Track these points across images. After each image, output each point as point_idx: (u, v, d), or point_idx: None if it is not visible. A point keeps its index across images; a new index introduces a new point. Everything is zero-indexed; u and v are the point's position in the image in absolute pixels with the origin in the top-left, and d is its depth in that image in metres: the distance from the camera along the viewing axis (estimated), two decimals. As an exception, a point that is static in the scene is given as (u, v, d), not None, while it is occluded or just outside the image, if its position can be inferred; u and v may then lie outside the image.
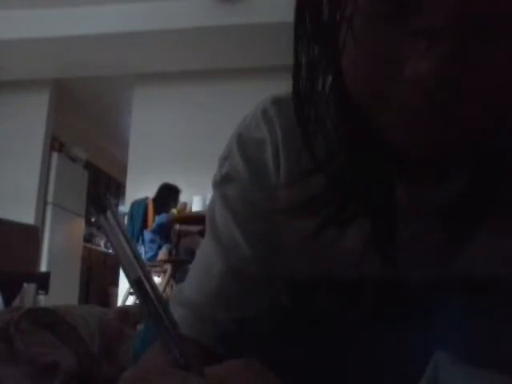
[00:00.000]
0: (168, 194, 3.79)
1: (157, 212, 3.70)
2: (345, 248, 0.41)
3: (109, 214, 0.24)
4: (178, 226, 3.88)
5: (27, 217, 4.20)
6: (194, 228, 3.78)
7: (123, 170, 4.81)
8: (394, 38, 0.28)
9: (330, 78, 0.36)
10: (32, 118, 4.65)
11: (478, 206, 0.37)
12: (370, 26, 0.29)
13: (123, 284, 4.03)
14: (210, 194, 0.48)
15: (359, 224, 0.39)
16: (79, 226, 5.49)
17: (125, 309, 0.97)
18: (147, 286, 0.25)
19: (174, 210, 3.72)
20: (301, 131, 0.39)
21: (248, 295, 0.44)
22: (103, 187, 6.96)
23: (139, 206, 3.77)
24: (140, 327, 0.92)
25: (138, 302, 0.26)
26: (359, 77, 0.32)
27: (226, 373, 0.28)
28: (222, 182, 0.46)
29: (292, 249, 0.44)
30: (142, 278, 0.25)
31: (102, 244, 6.40)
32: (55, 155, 4.92)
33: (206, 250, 0.46)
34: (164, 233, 3.72)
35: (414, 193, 0.39)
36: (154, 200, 3.76)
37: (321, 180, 0.39)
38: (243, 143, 0.45)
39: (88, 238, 5.96)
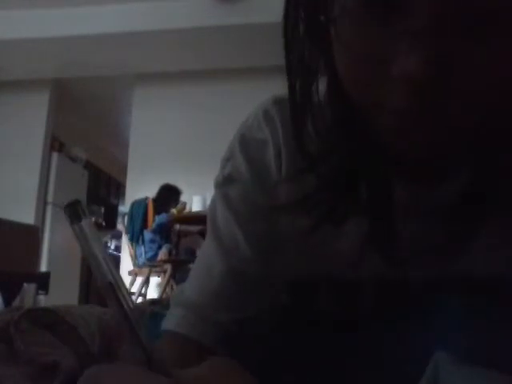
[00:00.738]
0: (169, 195, 3.79)
1: (157, 212, 3.70)
2: (343, 247, 0.41)
3: (83, 223, 0.26)
4: (177, 226, 3.88)
5: (27, 217, 4.19)
6: (194, 228, 3.78)
7: (123, 170, 4.81)
8: (380, 38, 0.28)
9: (323, 80, 0.36)
10: (32, 118, 4.64)
11: (478, 206, 0.37)
12: (356, 27, 0.30)
13: (123, 284, 4.03)
14: (209, 194, 0.49)
15: (357, 223, 0.39)
16: (79, 226, 5.49)
17: (125, 309, 0.97)
18: (118, 291, 0.27)
19: (173, 210, 3.72)
20: (294, 131, 0.39)
21: (248, 296, 0.44)
22: (103, 187, 6.96)
23: (139, 206, 3.77)
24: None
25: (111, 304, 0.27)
26: (349, 78, 0.32)
27: (199, 375, 0.28)
28: (224, 183, 0.46)
29: (291, 248, 0.44)
30: (113, 283, 0.26)
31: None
32: (55, 155, 4.91)
33: (206, 251, 0.46)
34: (164, 233, 3.72)
35: (413, 193, 0.39)
36: (155, 200, 3.76)
37: (316, 179, 0.39)
38: (245, 144, 0.45)
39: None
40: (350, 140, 0.37)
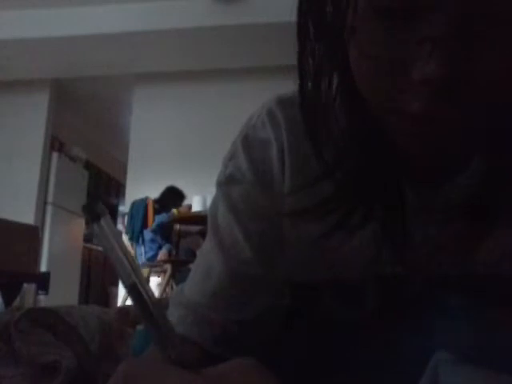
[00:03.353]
0: (173, 199, 3.78)
1: (157, 212, 3.70)
2: (353, 249, 0.41)
3: (102, 221, 0.25)
4: (178, 226, 3.88)
5: (27, 217, 4.20)
6: (194, 228, 3.78)
7: (123, 169, 4.81)
8: (400, 43, 0.29)
9: (336, 83, 0.36)
10: (32, 117, 4.65)
11: (487, 206, 0.37)
12: (374, 33, 0.30)
13: (123, 284, 4.03)
14: (209, 194, 0.49)
15: (369, 226, 0.39)
16: (79, 226, 5.49)
17: (125, 309, 0.97)
18: (142, 292, 0.26)
19: (174, 210, 3.72)
20: (309, 136, 0.39)
21: (248, 297, 0.44)
22: (103, 187, 6.96)
23: (139, 206, 3.77)
24: (140, 327, 0.92)
25: (134, 306, 0.26)
26: (367, 83, 0.32)
27: (224, 373, 0.28)
28: (226, 183, 0.46)
29: (296, 250, 0.44)
30: (138, 284, 0.26)
31: (102, 244, 6.39)
32: (55, 155, 4.92)
33: (207, 251, 0.46)
34: (164, 233, 3.72)
35: (423, 194, 0.39)
36: (157, 201, 3.75)
37: (329, 184, 0.39)
38: (248, 144, 0.45)
39: (88, 238, 5.96)
40: (363, 143, 0.37)
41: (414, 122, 0.30)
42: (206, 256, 0.46)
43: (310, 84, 0.37)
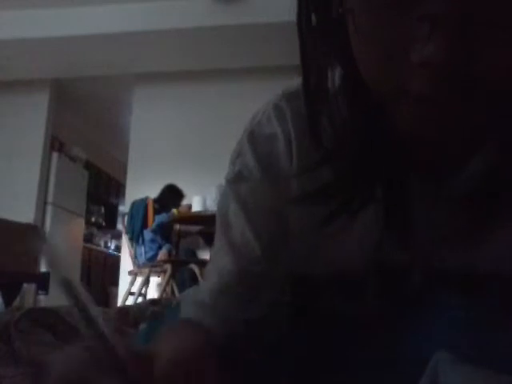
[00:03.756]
0: (172, 198, 3.78)
1: (157, 212, 3.70)
2: (355, 236, 0.41)
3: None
4: (178, 226, 3.88)
5: (27, 217, 4.19)
6: (194, 228, 3.78)
7: (123, 169, 4.81)
8: (399, 25, 0.28)
9: (339, 69, 0.36)
10: (32, 117, 4.64)
11: (490, 198, 0.37)
12: (375, 14, 0.29)
13: (123, 284, 4.03)
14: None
15: (372, 211, 0.39)
16: (79, 226, 5.49)
17: (125, 309, 0.97)
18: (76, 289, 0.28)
19: (174, 210, 3.72)
20: (309, 123, 0.39)
21: (253, 294, 0.44)
22: (103, 187, 6.96)
23: (139, 205, 3.77)
24: (142, 327, 0.92)
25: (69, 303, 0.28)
26: (369, 67, 0.32)
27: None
28: (234, 180, 0.46)
29: (299, 240, 0.44)
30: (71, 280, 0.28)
31: (101, 244, 6.40)
32: (55, 155, 4.91)
33: (217, 249, 0.47)
34: (164, 233, 3.72)
35: (426, 183, 0.39)
36: (156, 200, 3.75)
37: (329, 171, 0.39)
38: (254, 141, 0.45)
39: (88, 238, 5.96)
40: (365, 132, 0.37)
41: (416, 104, 0.30)
42: (216, 255, 0.46)
43: (312, 74, 0.37)
